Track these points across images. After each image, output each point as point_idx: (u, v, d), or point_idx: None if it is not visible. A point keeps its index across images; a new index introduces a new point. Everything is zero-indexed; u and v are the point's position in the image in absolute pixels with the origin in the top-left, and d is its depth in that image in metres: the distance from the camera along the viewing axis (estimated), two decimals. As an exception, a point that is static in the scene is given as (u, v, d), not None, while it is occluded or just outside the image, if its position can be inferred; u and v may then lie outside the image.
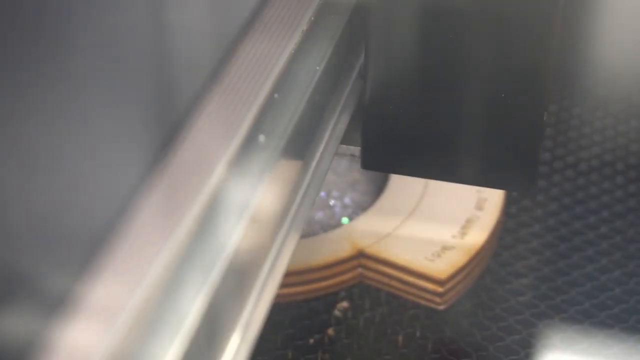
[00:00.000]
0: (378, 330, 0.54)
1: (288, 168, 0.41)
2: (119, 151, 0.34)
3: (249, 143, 0.38)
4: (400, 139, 0.49)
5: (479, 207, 0.58)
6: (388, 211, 0.58)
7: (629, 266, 0.58)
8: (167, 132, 0.37)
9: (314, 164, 0.44)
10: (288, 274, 0.55)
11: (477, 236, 0.56)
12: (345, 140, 0.50)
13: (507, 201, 0.61)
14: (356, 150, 0.51)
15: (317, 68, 0.44)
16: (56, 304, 0.30)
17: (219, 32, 0.41)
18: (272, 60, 0.42)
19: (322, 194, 0.61)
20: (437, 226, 0.57)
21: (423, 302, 0.55)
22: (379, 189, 0.61)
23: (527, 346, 0.54)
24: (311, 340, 0.54)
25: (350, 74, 0.49)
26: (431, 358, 0.53)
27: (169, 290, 0.32)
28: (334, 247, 0.56)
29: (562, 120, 0.71)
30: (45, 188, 0.30)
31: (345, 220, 0.59)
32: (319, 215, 0.59)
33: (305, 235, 0.57)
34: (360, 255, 0.55)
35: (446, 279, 0.54)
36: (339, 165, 0.63)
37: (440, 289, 0.54)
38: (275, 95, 0.41)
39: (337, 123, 0.47)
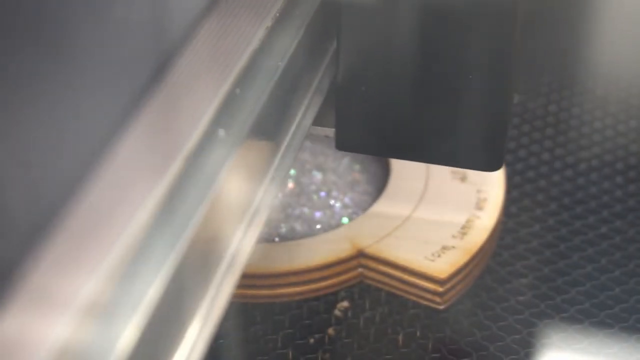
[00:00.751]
0: (378, 329, 0.54)
1: (258, 147, 0.41)
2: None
3: (217, 121, 0.38)
4: (373, 121, 0.50)
5: (479, 207, 0.58)
6: (388, 211, 0.58)
7: (629, 266, 0.58)
8: (140, 89, 0.36)
9: (285, 143, 0.44)
10: (288, 274, 0.55)
11: (477, 236, 0.56)
12: (321, 122, 0.51)
13: (507, 201, 0.61)
14: (330, 131, 0.52)
15: (290, 49, 0.44)
16: (1, 290, 0.29)
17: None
18: (246, 37, 0.42)
19: (322, 194, 0.61)
20: (437, 226, 0.57)
21: (423, 301, 0.55)
22: (379, 189, 0.61)
23: (527, 346, 0.54)
24: (311, 340, 0.54)
25: (323, 57, 0.50)
26: (431, 357, 0.53)
27: (127, 274, 0.32)
28: (334, 247, 0.56)
29: (561, 120, 0.72)
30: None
31: (345, 220, 0.59)
32: (319, 215, 0.59)
33: (305, 235, 0.57)
34: (361, 255, 0.55)
35: (446, 279, 0.54)
36: (339, 165, 0.63)
37: (440, 289, 0.54)
38: (246, 77, 0.41)
39: (310, 104, 0.47)
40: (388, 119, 0.50)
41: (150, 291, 0.32)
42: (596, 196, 0.64)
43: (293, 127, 0.45)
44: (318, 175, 0.62)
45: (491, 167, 0.51)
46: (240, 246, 0.39)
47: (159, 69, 0.38)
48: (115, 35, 0.35)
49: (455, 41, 0.48)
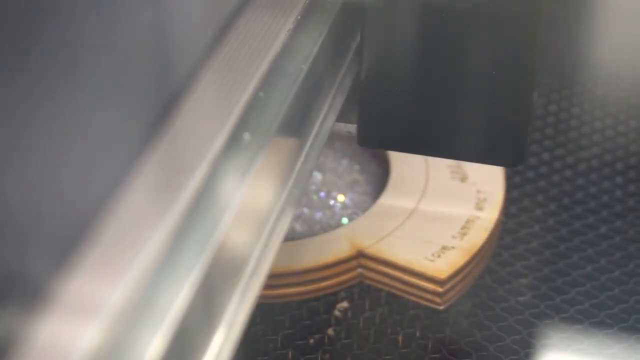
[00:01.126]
0: (378, 330, 0.54)
1: (284, 146, 0.41)
2: (101, 141, 0.34)
3: (244, 122, 0.38)
4: (396, 117, 0.51)
5: (479, 207, 0.58)
6: (388, 211, 0.58)
7: (629, 266, 0.59)
8: (162, 107, 0.36)
9: (310, 140, 0.44)
10: (288, 274, 0.55)
11: (477, 236, 0.56)
12: (343, 118, 0.51)
13: (507, 201, 0.61)
14: (353, 127, 0.53)
15: (313, 48, 0.44)
16: (35, 298, 0.29)
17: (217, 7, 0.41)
18: (271, 35, 0.42)
19: (322, 194, 0.61)
20: (437, 226, 0.57)
21: (423, 302, 0.55)
22: (379, 189, 0.61)
23: (527, 346, 0.54)
24: (311, 340, 0.54)
25: (347, 54, 0.50)
26: (431, 358, 0.53)
27: (153, 283, 0.32)
28: (334, 247, 0.56)
29: (561, 120, 0.72)
30: (23, 170, 0.29)
31: (345, 220, 0.59)
32: (319, 215, 0.59)
33: (305, 236, 0.57)
34: (360, 255, 0.56)
35: (446, 279, 0.54)
36: (338, 166, 0.63)
37: (440, 289, 0.54)
38: (273, 73, 0.41)
39: (333, 100, 0.48)
40: (410, 116, 0.51)
41: (177, 299, 0.32)
42: (596, 196, 0.64)
43: (316, 128, 0.45)
44: (318, 176, 0.62)
45: (515, 163, 0.52)
46: (266, 249, 0.39)
47: (172, 97, 0.39)
48: (125, 63, 0.35)
49: (479, 39, 0.48)
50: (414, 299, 0.55)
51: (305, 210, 0.59)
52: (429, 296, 0.55)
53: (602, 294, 0.57)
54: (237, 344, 0.37)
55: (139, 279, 0.31)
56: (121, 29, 0.34)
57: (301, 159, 0.44)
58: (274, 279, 0.55)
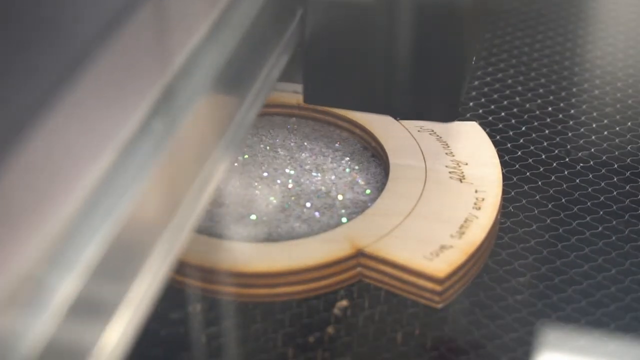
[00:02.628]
0: (377, 328, 0.55)
1: (223, 98, 0.42)
2: None
3: (184, 72, 0.38)
4: (339, 76, 0.54)
5: (477, 207, 0.58)
6: (387, 211, 0.58)
7: (625, 265, 0.59)
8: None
9: (250, 97, 0.45)
10: (288, 274, 0.55)
11: (475, 235, 0.56)
12: (290, 78, 0.56)
13: (505, 201, 0.62)
14: (299, 87, 0.56)
15: (257, 6, 0.47)
16: None
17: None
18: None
19: (322, 194, 0.61)
20: (435, 226, 0.57)
21: (422, 300, 0.55)
22: (378, 189, 0.61)
23: (525, 344, 0.54)
24: (311, 339, 0.54)
25: (292, 15, 0.53)
26: (430, 356, 0.54)
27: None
28: (333, 246, 0.56)
29: (558, 121, 0.72)
30: None
31: (344, 220, 0.59)
32: (319, 215, 0.59)
33: (304, 235, 0.58)
34: (360, 254, 0.56)
35: (445, 278, 0.54)
36: (338, 166, 0.64)
37: (438, 288, 0.54)
38: (216, 31, 0.41)
39: (277, 58, 0.50)
40: (352, 74, 0.54)
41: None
42: (593, 196, 0.64)
43: (259, 82, 0.47)
44: (317, 176, 0.62)
45: (447, 118, 0.56)
46: (194, 203, 0.39)
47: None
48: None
49: (415, 2, 0.51)
50: (413, 297, 0.55)
51: (305, 210, 0.60)
52: (427, 295, 0.55)
53: (599, 292, 0.57)
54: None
55: (39, 253, 0.31)
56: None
57: (242, 111, 0.45)
58: (274, 278, 0.55)
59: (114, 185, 0.34)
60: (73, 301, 0.31)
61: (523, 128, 0.71)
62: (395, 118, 0.64)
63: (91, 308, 0.32)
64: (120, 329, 0.34)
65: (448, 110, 0.55)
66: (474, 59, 0.55)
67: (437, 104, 0.55)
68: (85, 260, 0.32)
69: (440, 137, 0.64)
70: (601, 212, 0.63)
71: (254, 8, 0.46)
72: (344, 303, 0.56)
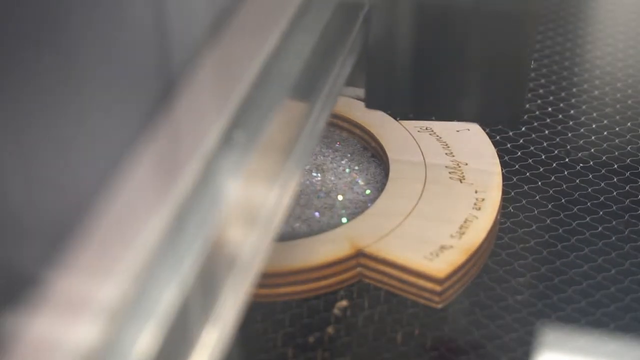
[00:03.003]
0: (377, 328, 0.55)
1: (294, 107, 0.42)
2: (97, 131, 0.34)
3: (254, 88, 0.39)
4: (401, 81, 0.54)
5: (477, 207, 0.58)
6: (387, 211, 0.58)
7: (625, 265, 0.59)
8: (162, 89, 0.37)
9: (319, 103, 0.45)
10: (288, 274, 0.55)
11: (475, 236, 0.57)
12: (352, 82, 0.55)
13: (505, 201, 0.62)
14: (361, 91, 0.56)
15: (325, 15, 0.47)
16: (27, 293, 0.29)
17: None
18: (281, 8, 0.43)
19: (322, 194, 0.61)
20: (435, 226, 0.57)
21: (422, 300, 0.55)
22: (378, 189, 0.62)
23: (525, 344, 0.54)
24: (311, 339, 0.54)
25: (355, 21, 0.53)
26: (430, 356, 0.54)
27: (148, 278, 0.32)
28: (333, 246, 0.56)
29: (558, 121, 0.72)
30: (20, 162, 0.29)
31: (344, 220, 0.59)
32: (319, 215, 0.60)
33: (304, 235, 0.58)
34: (360, 254, 0.56)
35: (444, 278, 0.54)
36: (338, 166, 0.64)
37: (438, 288, 0.55)
38: (284, 41, 0.42)
39: (343, 65, 0.50)
40: (414, 80, 0.54)
41: (171, 293, 0.32)
42: (592, 196, 0.64)
43: (327, 89, 0.47)
44: (318, 176, 0.63)
45: (513, 123, 0.58)
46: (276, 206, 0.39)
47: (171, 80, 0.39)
48: (123, 55, 0.35)
49: (482, 8, 0.51)
50: (413, 297, 0.55)
51: (305, 210, 0.60)
52: (427, 295, 0.55)
53: (599, 292, 0.57)
54: (227, 342, 0.37)
55: (133, 274, 0.31)
56: (120, 22, 0.35)
57: (312, 119, 0.45)
58: (274, 278, 0.55)
59: (199, 202, 0.35)
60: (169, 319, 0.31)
61: (523, 128, 0.71)
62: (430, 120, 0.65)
63: (182, 326, 0.33)
64: (208, 349, 0.35)
65: (513, 114, 0.55)
66: (532, 62, 0.55)
67: (502, 108, 0.54)
68: (178, 278, 0.32)
69: (440, 137, 0.64)
70: (601, 213, 0.63)
71: (323, 15, 0.46)
72: (344, 303, 0.56)
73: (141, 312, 0.31)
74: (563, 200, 0.64)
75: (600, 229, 0.62)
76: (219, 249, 0.36)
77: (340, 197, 0.61)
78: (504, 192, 0.62)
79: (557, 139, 0.70)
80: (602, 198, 0.64)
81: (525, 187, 0.65)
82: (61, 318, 0.30)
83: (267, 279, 0.55)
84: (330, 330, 0.55)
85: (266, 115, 0.38)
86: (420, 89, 0.54)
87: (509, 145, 0.69)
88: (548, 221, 0.62)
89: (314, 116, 0.45)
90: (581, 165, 0.67)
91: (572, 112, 0.73)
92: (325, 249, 0.56)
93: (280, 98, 0.40)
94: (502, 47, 0.52)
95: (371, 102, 0.56)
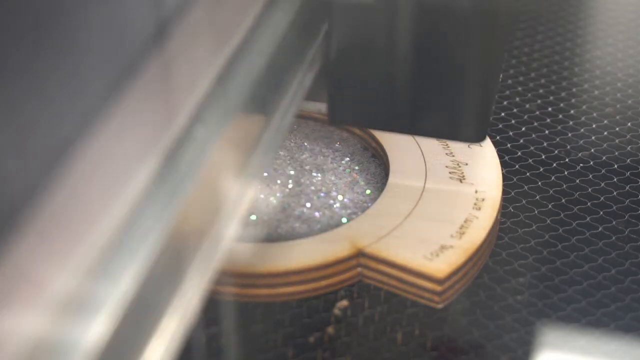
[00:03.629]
0: (377, 328, 0.55)
1: (250, 120, 0.41)
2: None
3: (212, 95, 0.38)
4: (364, 95, 0.53)
5: (477, 207, 0.58)
6: (387, 211, 0.58)
7: (625, 265, 0.59)
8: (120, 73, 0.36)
9: (277, 118, 0.45)
10: (288, 274, 0.55)
11: (475, 236, 0.56)
12: (314, 97, 0.54)
13: (505, 201, 0.62)
14: (323, 106, 0.55)
15: (284, 24, 0.45)
16: None
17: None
18: (236, 19, 0.42)
19: (322, 194, 0.61)
20: (435, 226, 0.57)
21: (422, 300, 0.55)
22: (378, 189, 0.61)
23: (525, 344, 0.54)
24: (311, 339, 0.54)
25: (316, 34, 0.51)
26: (430, 356, 0.54)
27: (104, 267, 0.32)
28: (334, 246, 0.56)
29: (558, 121, 0.72)
30: None
31: (344, 220, 0.59)
32: (319, 215, 0.59)
33: (304, 235, 0.58)
34: (360, 254, 0.56)
35: (445, 278, 0.54)
36: (338, 166, 0.64)
37: (439, 288, 0.54)
38: (240, 52, 0.41)
39: (302, 79, 0.49)
40: (377, 93, 0.52)
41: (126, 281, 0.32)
42: (592, 196, 0.64)
43: (285, 103, 0.46)
44: (318, 176, 0.62)
45: (476, 139, 0.54)
46: (226, 224, 0.39)
47: (155, 36, 0.38)
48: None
49: (447, 21, 0.49)
50: (413, 297, 0.55)
51: (305, 210, 0.60)
52: (427, 295, 0.55)
53: (599, 292, 0.57)
54: (186, 332, 0.36)
55: (88, 262, 0.31)
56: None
57: (268, 134, 0.44)
58: (274, 278, 0.55)
59: (158, 195, 0.34)
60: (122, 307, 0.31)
61: (523, 128, 0.71)
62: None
63: (138, 316, 0.33)
64: (165, 339, 0.34)
65: (477, 130, 0.53)
66: (500, 76, 0.54)
67: (465, 123, 0.53)
68: (133, 269, 0.32)
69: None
70: (601, 213, 0.63)
71: (280, 27, 0.45)
72: (344, 303, 0.56)
73: (94, 302, 0.30)
74: (563, 200, 0.64)
75: (600, 228, 0.62)
76: (179, 239, 0.35)
77: (340, 197, 0.61)
78: (504, 192, 0.61)
79: (557, 139, 0.70)
80: (602, 198, 0.64)
81: (525, 187, 0.65)
82: (12, 308, 0.29)
83: (267, 278, 0.55)
84: (330, 330, 0.54)
85: (219, 130, 0.38)
86: (381, 103, 0.53)
87: (509, 145, 0.69)
88: (548, 221, 0.62)
89: (271, 131, 0.44)
90: (581, 165, 0.67)
91: (572, 112, 0.73)
92: (325, 248, 0.56)
93: (233, 113, 0.39)
94: (468, 61, 0.51)
95: (334, 118, 0.54)
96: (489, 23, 0.50)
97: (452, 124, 0.53)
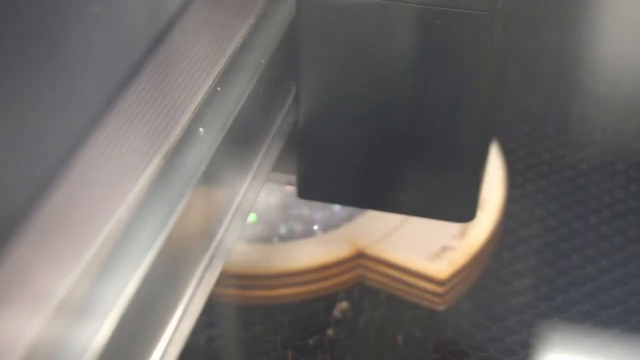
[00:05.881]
0: (378, 330, 0.54)
1: (212, 197, 0.40)
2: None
3: (165, 171, 0.37)
4: (336, 169, 0.46)
5: (479, 207, 0.58)
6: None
7: (629, 266, 0.58)
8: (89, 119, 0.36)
9: (239, 196, 0.41)
10: (288, 275, 0.55)
11: (477, 236, 0.56)
12: (282, 168, 0.48)
13: (507, 201, 0.61)
14: (293, 178, 0.48)
15: (247, 90, 0.41)
16: None
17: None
18: (196, 85, 0.40)
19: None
20: (436, 226, 0.57)
21: (423, 302, 0.55)
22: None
23: (528, 346, 0.54)
24: (311, 341, 0.54)
25: (283, 101, 0.46)
26: (431, 358, 0.53)
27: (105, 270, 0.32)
28: (334, 247, 0.56)
29: (562, 119, 0.72)
30: None
31: (344, 220, 0.59)
32: (318, 215, 0.59)
33: (304, 236, 0.57)
34: (360, 255, 0.55)
35: (446, 279, 0.54)
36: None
37: (440, 289, 0.54)
38: (201, 129, 0.39)
39: (268, 150, 0.44)
40: (352, 168, 0.46)
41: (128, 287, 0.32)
42: (596, 196, 0.64)
43: (250, 175, 0.43)
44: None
45: (464, 218, 0.47)
46: (193, 298, 0.38)
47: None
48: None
49: (423, 90, 0.43)
50: (414, 299, 0.55)
51: (305, 210, 0.59)
52: (429, 296, 0.54)
53: (603, 294, 0.57)
54: (189, 334, 0.36)
55: (88, 266, 0.31)
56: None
57: (234, 206, 0.41)
58: (274, 279, 0.55)
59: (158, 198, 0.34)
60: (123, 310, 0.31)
61: (525, 128, 0.70)
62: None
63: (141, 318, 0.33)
64: (165, 341, 0.34)
65: (466, 209, 0.46)
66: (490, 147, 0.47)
67: (452, 202, 0.46)
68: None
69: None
70: (604, 213, 0.62)
71: (242, 94, 0.41)
72: (344, 305, 0.55)
73: (95, 303, 0.31)
74: (565, 200, 0.63)
75: (603, 229, 0.61)
76: (179, 241, 0.35)
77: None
78: (507, 192, 0.61)
79: (560, 138, 0.69)
80: (605, 198, 0.64)
81: (527, 187, 0.64)
82: (12, 313, 0.29)
83: (267, 280, 0.55)
84: (330, 332, 0.54)
85: (178, 205, 0.37)
86: (357, 178, 0.46)
87: (511, 145, 0.69)
88: (550, 221, 0.61)
89: (236, 204, 0.42)
90: (583, 165, 0.66)
91: (574, 111, 0.72)
92: (325, 250, 0.55)
93: (190, 186, 0.38)
94: (454, 136, 0.44)
95: (304, 192, 0.47)
96: (476, 103, 0.43)
97: (438, 204, 0.46)
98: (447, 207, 0.46)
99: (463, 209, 0.46)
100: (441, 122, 0.43)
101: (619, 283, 0.57)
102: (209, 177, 0.37)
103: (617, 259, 0.59)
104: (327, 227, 0.58)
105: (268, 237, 0.58)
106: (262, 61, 0.42)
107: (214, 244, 0.39)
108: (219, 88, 0.40)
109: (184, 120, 0.37)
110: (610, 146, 0.68)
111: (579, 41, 0.81)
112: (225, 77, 0.40)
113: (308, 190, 0.47)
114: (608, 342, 0.54)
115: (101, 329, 0.30)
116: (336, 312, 0.55)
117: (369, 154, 0.45)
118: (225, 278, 0.54)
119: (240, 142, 0.41)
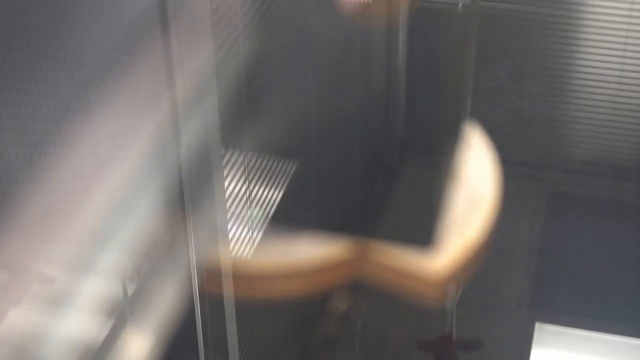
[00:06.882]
0: (377, 329, 0.55)
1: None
2: None
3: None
4: None
5: (478, 207, 0.58)
6: (386, 211, 0.58)
7: (627, 266, 0.59)
8: None
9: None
10: (287, 275, 0.55)
11: (475, 235, 0.56)
12: None
13: (504, 201, 0.62)
14: None
15: None
16: None
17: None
18: None
19: (321, 194, 0.61)
20: (435, 226, 0.57)
21: (422, 301, 0.55)
22: (376, 189, 0.61)
23: (527, 343, 0.54)
24: (309, 339, 0.54)
25: None
26: (428, 356, 0.54)
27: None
28: (334, 247, 0.56)
29: (553, 118, 0.72)
30: None
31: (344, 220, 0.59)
32: (317, 216, 0.59)
33: (303, 235, 0.58)
34: (360, 256, 0.56)
35: (446, 279, 0.54)
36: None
37: (438, 288, 0.54)
38: None
39: None
40: None
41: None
42: (593, 196, 0.64)
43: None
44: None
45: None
46: None
47: None
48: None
49: None
50: (413, 297, 0.55)
51: (305, 210, 0.60)
52: (427, 295, 0.55)
53: (602, 292, 0.57)
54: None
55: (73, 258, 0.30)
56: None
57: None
58: (272, 278, 0.55)
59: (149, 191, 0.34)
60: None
61: (521, 127, 0.71)
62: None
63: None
64: (160, 337, 0.34)
65: None
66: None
67: None
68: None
69: (439, 137, 0.64)
70: (602, 211, 0.63)
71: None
72: (343, 304, 0.56)
73: (89, 300, 0.30)
74: (563, 199, 0.64)
75: (600, 228, 0.62)
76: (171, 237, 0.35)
77: (338, 197, 0.61)
78: (503, 192, 0.61)
79: (556, 138, 0.70)
80: (602, 197, 0.64)
81: (524, 187, 0.65)
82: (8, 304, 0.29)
83: (266, 279, 0.55)
84: (330, 331, 0.54)
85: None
86: None
87: (507, 144, 0.69)
88: (548, 220, 0.62)
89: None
90: (581, 165, 0.67)
91: (571, 111, 0.73)
92: (325, 249, 0.56)
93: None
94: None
95: None
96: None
97: None
98: None
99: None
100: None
101: (617, 282, 0.58)
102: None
103: (614, 258, 0.59)
104: (325, 227, 0.58)
105: (267, 235, 0.58)
106: None
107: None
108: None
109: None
110: (607, 147, 0.69)
111: (577, 41, 0.82)
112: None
113: None
114: (605, 340, 0.54)
115: (94, 325, 0.29)
116: (336, 312, 0.55)
117: None
118: (223, 276, 0.55)
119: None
